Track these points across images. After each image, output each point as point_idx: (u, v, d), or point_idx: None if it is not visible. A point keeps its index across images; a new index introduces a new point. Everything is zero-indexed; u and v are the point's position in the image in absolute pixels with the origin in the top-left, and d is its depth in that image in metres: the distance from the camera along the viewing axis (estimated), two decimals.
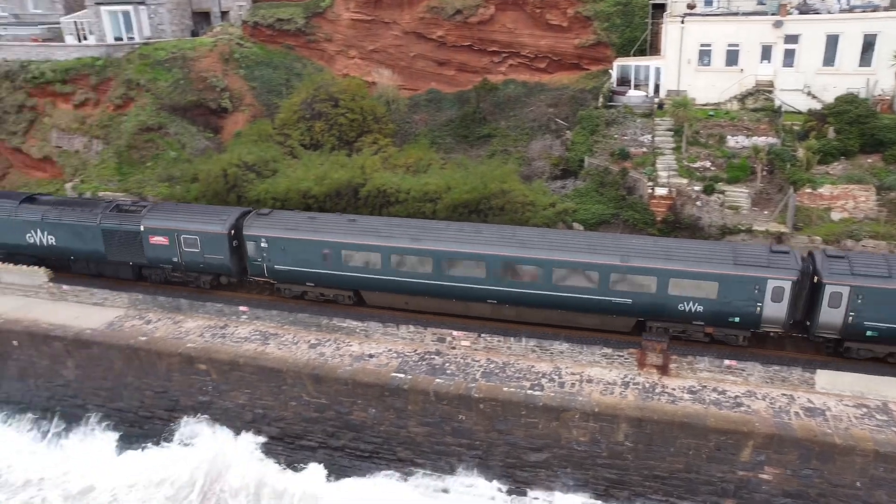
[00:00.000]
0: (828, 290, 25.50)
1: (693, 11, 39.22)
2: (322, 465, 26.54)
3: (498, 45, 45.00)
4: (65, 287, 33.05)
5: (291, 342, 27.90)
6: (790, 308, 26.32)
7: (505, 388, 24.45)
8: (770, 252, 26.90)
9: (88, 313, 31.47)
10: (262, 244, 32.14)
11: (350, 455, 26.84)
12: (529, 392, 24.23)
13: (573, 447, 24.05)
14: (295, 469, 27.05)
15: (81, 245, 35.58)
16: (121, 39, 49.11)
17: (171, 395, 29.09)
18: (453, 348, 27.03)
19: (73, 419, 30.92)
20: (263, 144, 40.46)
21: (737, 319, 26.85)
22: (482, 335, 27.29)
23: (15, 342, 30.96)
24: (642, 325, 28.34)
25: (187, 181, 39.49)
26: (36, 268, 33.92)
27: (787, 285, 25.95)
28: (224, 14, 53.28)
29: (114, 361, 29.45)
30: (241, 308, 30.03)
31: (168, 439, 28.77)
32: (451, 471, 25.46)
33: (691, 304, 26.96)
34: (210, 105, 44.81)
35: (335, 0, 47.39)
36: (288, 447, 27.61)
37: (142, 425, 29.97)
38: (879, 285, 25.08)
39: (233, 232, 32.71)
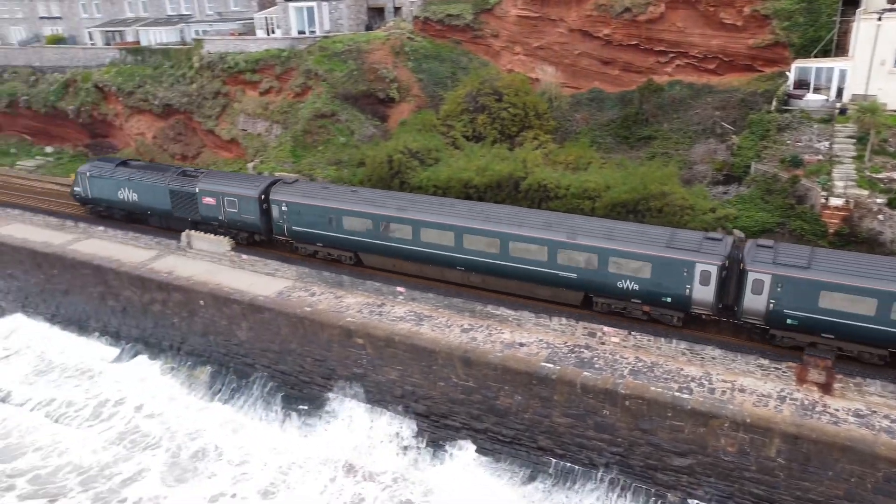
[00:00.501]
0: (750, 276, 26.60)
1: (894, 7, 36.16)
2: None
3: (665, 44, 43.98)
4: (244, 256, 36.44)
5: (445, 325, 29.10)
6: (717, 292, 27.60)
7: (652, 388, 24.24)
8: (704, 238, 28.49)
9: (262, 282, 34.50)
10: (283, 208, 37.38)
11: (492, 439, 27.71)
12: (677, 394, 23.88)
13: (720, 456, 23.45)
14: (438, 446, 28.42)
15: (154, 202, 42.86)
16: (303, 33, 52.92)
17: (328, 364, 31.32)
18: (603, 343, 27.10)
19: (243, 375, 34.22)
20: (427, 134, 42.24)
21: (669, 300, 28.47)
22: (632, 333, 27.17)
23: (202, 302, 34.58)
24: (590, 301, 30.55)
25: (354, 165, 42.10)
26: (221, 237, 37.58)
27: (714, 270, 27.29)
28: (397, 10, 55.87)
29: (281, 328, 32.13)
30: (399, 289, 31.69)
31: (322, 407, 31.18)
32: (591, 464, 25.67)
33: (629, 282, 28.94)
34: (379, 95, 47.34)
35: None
36: (433, 424, 28.96)
37: (300, 388, 32.57)
38: (797, 275, 25.94)
39: (263, 196, 38.26)
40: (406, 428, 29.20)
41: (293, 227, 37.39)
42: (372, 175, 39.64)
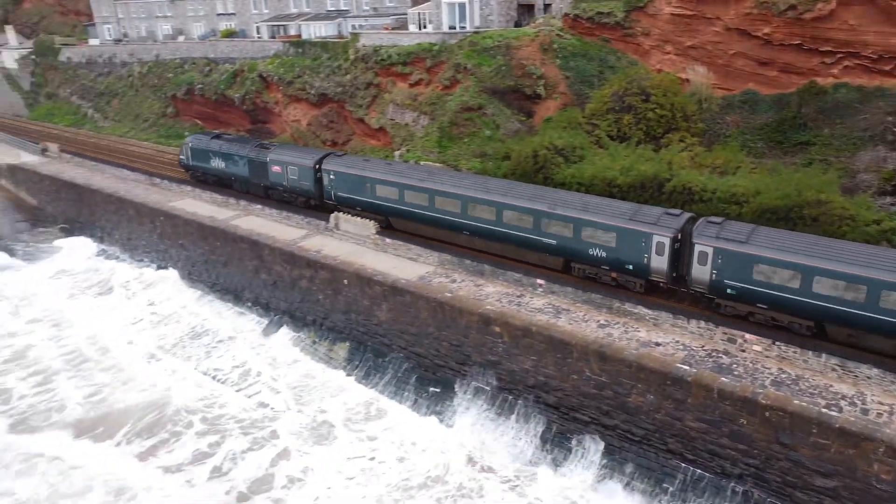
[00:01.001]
0: (696, 248, 30.05)
1: None
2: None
3: (833, 44, 41.44)
4: (387, 240, 38.28)
5: (581, 319, 29.37)
6: (671, 262, 31.17)
7: (796, 401, 23.37)
8: (663, 213, 31.78)
9: (404, 266, 36.14)
10: (331, 176, 44.80)
11: (621, 436, 27.72)
12: (824, 410, 22.89)
13: (871, 483, 22.22)
14: (565, 438, 28.81)
15: (236, 170, 51.62)
16: (454, 28, 54.45)
17: (464, 350, 32.38)
18: (743, 350, 26.38)
19: (380, 355, 36.06)
20: (572, 132, 42.43)
21: (630, 267, 32.35)
22: (776, 343, 26.27)
23: (346, 281, 36.74)
24: (569, 267, 34.80)
25: (498, 158, 43.00)
26: (367, 221, 39.66)
27: (667, 241, 30.90)
28: (546, 6, 56.25)
29: (420, 311, 33.55)
30: (538, 281, 32.23)
31: (453, 391, 32.34)
32: (723, 473, 25.13)
33: (598, 250, 32.93)
34: (525, 91, 47.93)
35: None
36: (562, 416, 29.32)
37: (434, 371, 33.88)
38: (735, 248, 29.15)
39: (317, 166, 45.55)
40: (535, 421, 29.75)
41: (338, 194, 44.80)
42: (516, 169, 40.40)
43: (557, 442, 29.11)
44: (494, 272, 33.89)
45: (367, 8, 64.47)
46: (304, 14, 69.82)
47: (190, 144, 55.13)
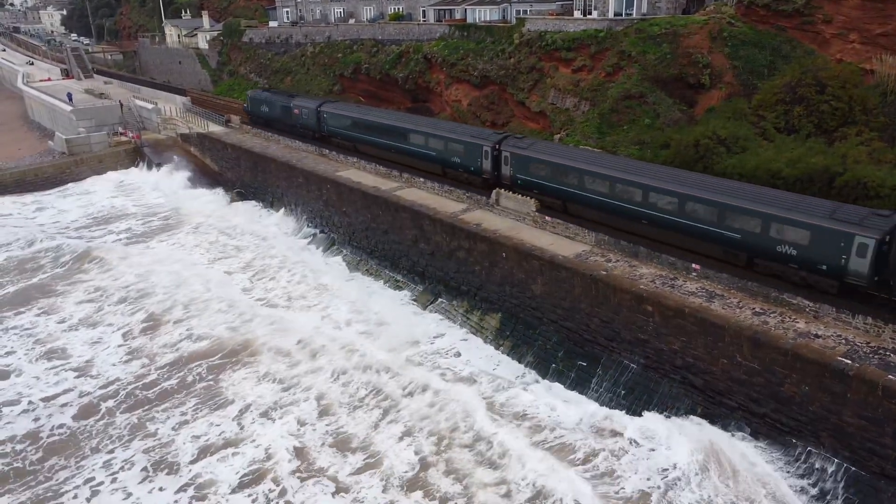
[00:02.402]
0: (503, 154, 44.08)
1: None
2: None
3: None
4: (547, 218, 39.74)
5: (736, 305, 29.50)
6: (493, 168, 45.11)
7: None
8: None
9: (561, 243, 37.48)
10: (325, 116, 61.87)
11: (769, 425, 27.72)
12: None
13: None
14: (712, 421, 29.18)
15: (273, 114, 69.78)
16: (620, 15, 54.59)
17: (614, 327, 33.34)
18: None
19: (530, 327, 37.70)
20: (736, 122, 41.77)
21: (472, 169, 46.64)
22: None
23: (504, 254, 38.63)
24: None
25: (657, 147, 43.14)
26: (528, 198, 41.27)
27: (491, 152, 44.99)
28: None
29: (575, 287, 34.81)
30: (694, 266, 32.56)
31: (599, 365, 33.49)
32: (882, 474, 24.68)
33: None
34: (689, 80, 47.44)
35: None
36: (708, 399, 29.68)
37: (582, 346, 35.08)
38: (519, 152, 43.14)
39: (319, 108, 62.61)
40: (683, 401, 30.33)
41: (332, 128, 61.38)
42: (675, 158, 40.44)
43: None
44: (650, 254, 34.48)
45: None
46: None
47: (250, 97, 74.65)
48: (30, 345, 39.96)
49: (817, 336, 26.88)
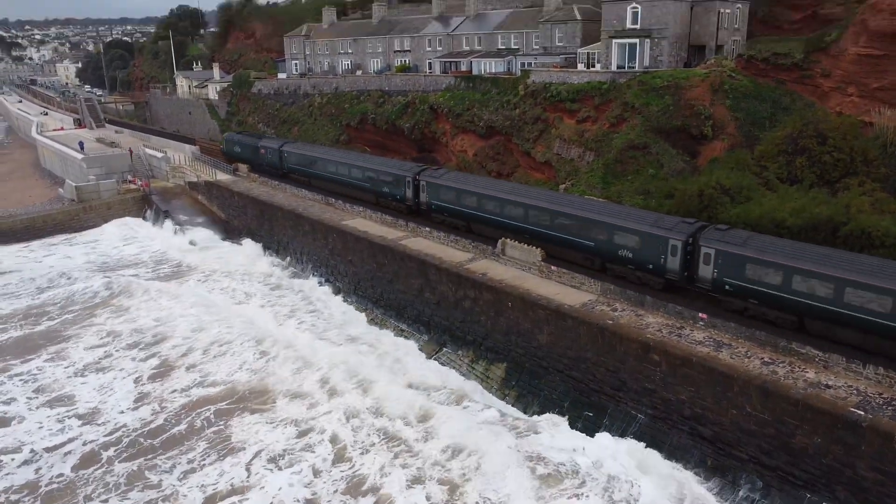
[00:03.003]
0: (420, 183, 52.33)
1: None
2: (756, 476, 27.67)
3: None
4: (553, 268, 39.80)
5: (744, 355, 29.33)
6: (414, 195, 52.92)
7: None
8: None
9: (567, 292, 37.47)
10: (285, 155, 70.22)
11: (782, 478, 27.24)
12: None
13: None
14: (720, 475, 28.66)
15: (244, 153, 76.54)
16: (623, 68, 55.66)
17: (620, 376, 33.07)
18: None
19: (536, 377, 37.39)
20: (739, 172, 42.19)
21: (398, 197, 54.51)
22: None
23: (510, 304, 38.58)
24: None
25: (662, 196, 43.47)
26: (533, 248, 41.42)
27: (412, 182, 52.84)
28: (718, 48, 56.16)
29: (581, 336, 34.65)
30: (701, 315, 32.47)
31: (605, 416, 33.05)
32: None
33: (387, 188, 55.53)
34: (692, 131, 48.15)
35: (843, 35, 46.26)
36: (717, 451, 29.23)
37: (588, 396, 34.74)
38: (434, 181, 51.14)
39: (280, 148, 70.95)
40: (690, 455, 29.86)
41: (292, 166, 68.93)
42: (680, 208, 40.72)
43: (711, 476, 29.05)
44: (656, 303, 34.44)
45: (537, 47, 67.12)
46: (475, 51, 73.76)
47: (225, 138, 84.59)
48: (30, 392, 39.70)
49: (828, 386, 26.65)
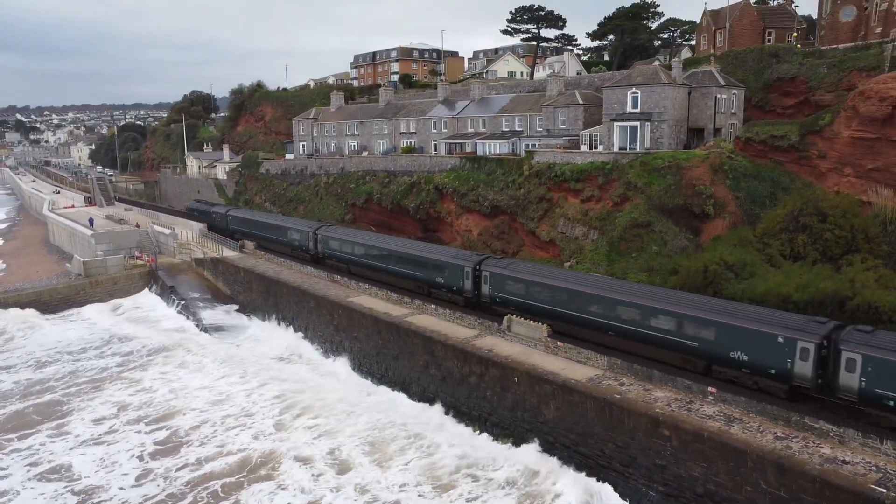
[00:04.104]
0: (318, 237, 66.92)
1: None
2: None
3: None
4: (559, 343, 39.72)
5: (756, 430, 28.88)
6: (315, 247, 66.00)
7: None
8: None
9: (573, 367, 37.27)
10: (230, 218, 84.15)
11: None
12: None
13: None
14: None
15: (204, 218, 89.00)
16: (624, 149, 57.16)
17: (630, 452, 32.45)
18: None
19: (544, 452, 36.69)
20: (742, 249, 42.71)
21: (304, 249, 69.42)
22: None
23: (515, 379, 38.31)
24: None
25: (666, 273, 43.84)
26: (539, 324, 41.44)
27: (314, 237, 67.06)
28: (717, 131, 57.84)
29: (588, 411, 34.25)
30: (710, 389, 32.20)
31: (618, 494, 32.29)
32: None
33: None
34: (694, 209, 49.00)
35: (836, 118, 47.75)
36: None
37: (598, 472, 34.02)
38: (327, 235, 66.52)
39: (227, 213, 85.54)
40: None
41: (234, 227, 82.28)
42: (685, 284, 41.01)
43: None
44: (663, 378, 34.20)
45: (541, 129, 69.12)
46: (479, 133, 75.91)
47: (187, 206, 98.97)
48: (28, 467, 38.88)
49: (845, 462, 26.12)
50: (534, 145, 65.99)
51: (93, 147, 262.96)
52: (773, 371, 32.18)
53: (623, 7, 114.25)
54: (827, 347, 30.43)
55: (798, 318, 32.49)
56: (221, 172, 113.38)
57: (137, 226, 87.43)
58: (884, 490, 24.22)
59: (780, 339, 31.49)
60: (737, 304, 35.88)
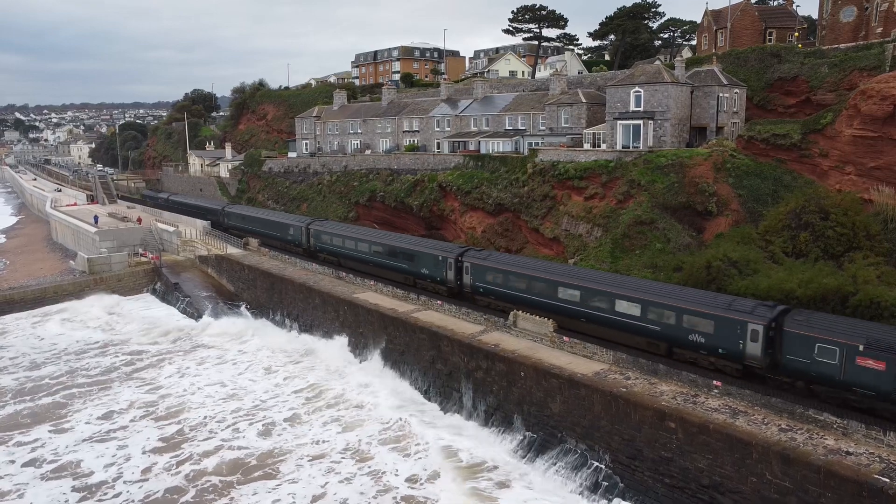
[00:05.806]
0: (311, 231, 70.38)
1: None
2: None
3: None
4: (565, 338, 40.22)
5: (761, 422, 29.40)
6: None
7: None
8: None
9: (579, 362, 37.78)
10: (229, 217, 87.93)
11: None
12: None
13: None
14: None
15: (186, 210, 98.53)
16: (627, 147, 57.66)
17: (635, 445, 32.95)
18: None
19: (548, 444, 37.23)
20: (745, 246, 43.21)
21: (296, 241, 73.03)
22: None
23: (522, 373, 38.81)
24: None
25: (670, 270, 44.34)
26: (546, 319, 41.94)
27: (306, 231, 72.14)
28: (719, 129, 58.35)
29: (594, 405, 34.76)
30: (715, 382, 32.72)
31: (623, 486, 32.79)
32: None
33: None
34: (697, 207, 49.48)
35: (837, 117, 48.26)
36: None
37: (604, 464, 34.50)
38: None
39: (223, 209, 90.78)
40: None
41: (232, 223, 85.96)
42: (688, 280, 41.53)
43: None
44: (669, 372, 34.72)
45: (544, 128, 69.63)
46: (483, 132, 76.37)
47: (169, 197, 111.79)
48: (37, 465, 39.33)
49: (849, 453, 26.64)
50: (537, 143, 66.45)
51: (93, 146, 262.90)
52: (726, 351, 34.99)
53: (624, 7, 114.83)
54: (774, 329, 33.21)
55: (750, 302, 35.32)
56: (224, 171, 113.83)
57: (139, 220, 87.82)
58: (887, 480, 24.72)
59: (733, 322, 34.32)
60: (694, 291, 38.62)
